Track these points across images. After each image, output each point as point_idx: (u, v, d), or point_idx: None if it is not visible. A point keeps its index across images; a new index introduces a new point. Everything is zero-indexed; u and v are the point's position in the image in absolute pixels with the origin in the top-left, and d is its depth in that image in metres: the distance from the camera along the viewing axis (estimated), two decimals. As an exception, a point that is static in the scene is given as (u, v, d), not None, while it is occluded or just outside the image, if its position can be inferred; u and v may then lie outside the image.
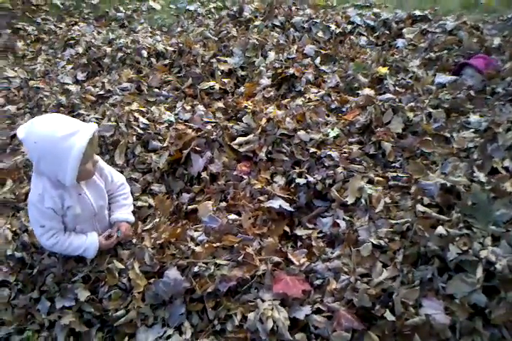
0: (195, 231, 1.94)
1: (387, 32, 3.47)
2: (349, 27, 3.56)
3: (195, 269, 1.70)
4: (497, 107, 2.38)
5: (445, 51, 3.02)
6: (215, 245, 1.79)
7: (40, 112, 3.25)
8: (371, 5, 4.62)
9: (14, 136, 3.21)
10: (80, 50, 4.21)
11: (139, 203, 2.28)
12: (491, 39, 3.15)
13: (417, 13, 3.61)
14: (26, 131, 1.49)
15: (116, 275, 1.75)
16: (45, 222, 1.63)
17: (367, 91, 2.53)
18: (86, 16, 5.70)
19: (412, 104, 2.41)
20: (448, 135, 2.19)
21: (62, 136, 1.45)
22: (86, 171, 1.59)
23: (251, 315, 1.56)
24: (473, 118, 2.28)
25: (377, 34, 3.45)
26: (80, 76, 3.57)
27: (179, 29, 4.61)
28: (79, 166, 1.50)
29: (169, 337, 1.60)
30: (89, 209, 1.72)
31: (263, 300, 1.61)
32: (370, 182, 2.04)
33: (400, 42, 3.26)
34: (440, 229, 1.63)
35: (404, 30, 3.37)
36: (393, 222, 1.78)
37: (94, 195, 1.73)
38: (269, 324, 1.51)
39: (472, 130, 2.20)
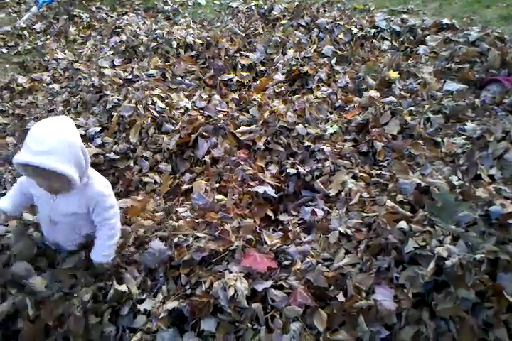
0: (183, 207, 2.13)
1: (412, 38, 3.49)
2: (373, 31, 3.61)
3: (175, 240, 1.89)
4: (498, 117, 2.40)
5: (467, 64, 2.98)
6: (197, 220, 1.97)
7: (78, 91, 3.58)
8: (408, 11, 4.65)
9: (52, 110, 3.55)
10: (124, 38, 4.50)
11: (146, 179, 2.52)
12: (514, 51, 3.11)
13: (445, 21, 3.60)
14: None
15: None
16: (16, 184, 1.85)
17: (372, 93, 2.61)
18: (136, 7, 6.04)
19: (413, 108, 2.48)
20: (439, 139, 2.25)
21: (31, 138, 1.49)
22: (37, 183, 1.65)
23: (216, 283, 1.71)
24: (470, 125, 2.32)
25: (401, 39, 3.49)
26: (117, 61, 3.85)
27: (218, 24, 4.82)
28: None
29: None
30: (45, 215, 1.80)
31: (230, 272, 1.76)
32: (354, 177, 2.15)
33: (421, 48, 3.29)
34: (402, 224, 1.73)
35: (427, 38, 3.39)
36: (364, 214, 1.89)
37: (56, 210, 1.75)
38: (230, 292, 1.65)
39: (464, 137, 2.25)
